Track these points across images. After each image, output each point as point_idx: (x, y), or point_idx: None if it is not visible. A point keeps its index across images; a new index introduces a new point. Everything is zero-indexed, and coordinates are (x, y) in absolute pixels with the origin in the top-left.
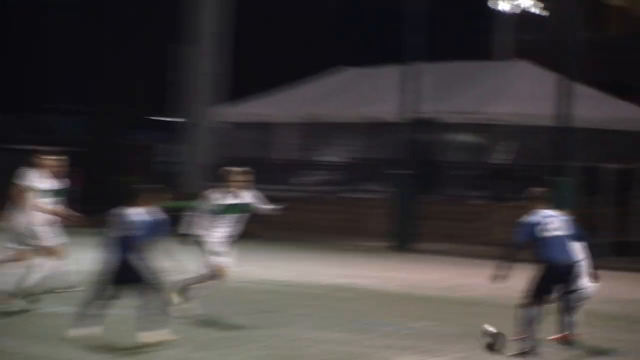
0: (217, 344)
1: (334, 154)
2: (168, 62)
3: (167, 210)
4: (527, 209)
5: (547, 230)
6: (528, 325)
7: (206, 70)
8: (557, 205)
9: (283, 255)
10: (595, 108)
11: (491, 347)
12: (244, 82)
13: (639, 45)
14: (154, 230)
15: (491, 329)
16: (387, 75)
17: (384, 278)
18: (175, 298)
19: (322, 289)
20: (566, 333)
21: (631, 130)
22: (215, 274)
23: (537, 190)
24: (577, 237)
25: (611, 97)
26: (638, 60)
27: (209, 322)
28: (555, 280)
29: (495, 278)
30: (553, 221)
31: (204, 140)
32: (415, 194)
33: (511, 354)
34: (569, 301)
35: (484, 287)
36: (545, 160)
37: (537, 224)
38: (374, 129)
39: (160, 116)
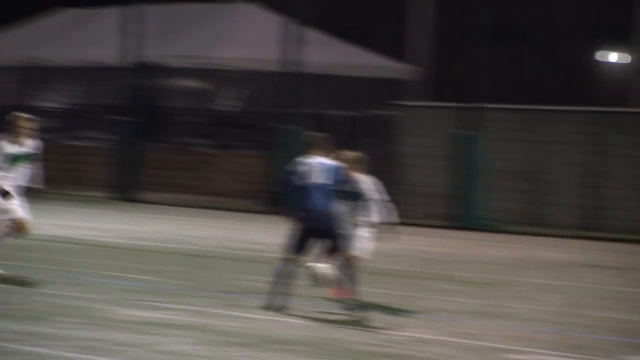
0: None
1: (53, 100)
2: None
3: None
4: (305, 154)
5: (308, 177)
6: (280, 278)
7: None
8: (283, 151)
9: None
10: (325, 53)
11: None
12: None
13: None
14: None
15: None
16: (108, 17)
17: (105, 229)
18: None
19: (40, 241)
20: (341, 289)
21: (362, 77)
22: (11, 228)
23: (314, 135)
24: (344, 189)
25: (342, 43)
26: (366, 4)
27: None
28: (310, 230)
29: (282, 216)
30: (318, 169)
31: None
32: (138, 141)
33: (261, 307)
34: (335, 257)
35: (210, 238)
36: (273, 107)
37: (300, 169)
38: (95, 73)
39: None
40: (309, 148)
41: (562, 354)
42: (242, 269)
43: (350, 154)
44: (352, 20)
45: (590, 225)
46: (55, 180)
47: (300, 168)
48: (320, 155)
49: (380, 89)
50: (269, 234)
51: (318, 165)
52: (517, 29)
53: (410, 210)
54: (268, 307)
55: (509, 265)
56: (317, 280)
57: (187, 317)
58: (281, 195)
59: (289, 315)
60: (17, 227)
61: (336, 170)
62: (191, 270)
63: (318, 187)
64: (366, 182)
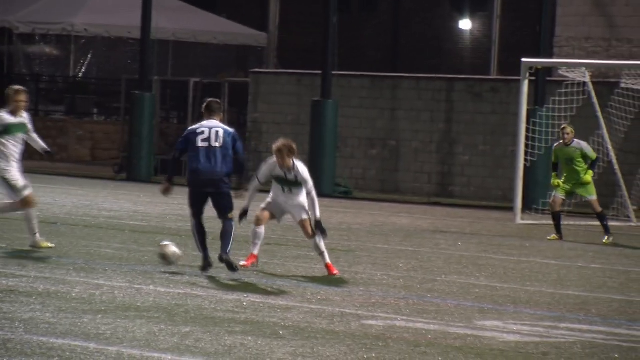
0: None
1: None
2: None
3: None
4: (203, 119)
5: (199, 140)
6: (194, 235)
7: None
8: (138, 118)
9: None
10: (181, 20)
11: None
12: None
13: None
14: None
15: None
16: None
17: None
18: None
19: None
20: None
21: (220, 44)
22: (23, 204)
23: (212, 100)
24: (236, 153)
25: (199, 10)
26: None
27: None
28: (196, 191)
29: (162, 190)
30: (211, 132)
31: None
32: None
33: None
34: (221, 220)
35: (67, 206)
36: (127, 74)
37: (195, 132)
38: None
39: None
40: (206, 113)
41: (416, 319)
42: (99, 236)
43: (277, 143)
44: None
45: (441, 191)
46: None
47: (198, 129)
48: (217, 119)
49: (236, 56)
50: (125, 201)
51: (215, 129)
52: None
53: None
54: (205, 264)
55: (362, 231)
56: (165, 259)
57: (48, 285)
58: (178, 153)
59: (157, 284)
60: (24, 203)
61: (233, 135)
62: (49, 238)
63: (212, 150)
64: (303, 171)
